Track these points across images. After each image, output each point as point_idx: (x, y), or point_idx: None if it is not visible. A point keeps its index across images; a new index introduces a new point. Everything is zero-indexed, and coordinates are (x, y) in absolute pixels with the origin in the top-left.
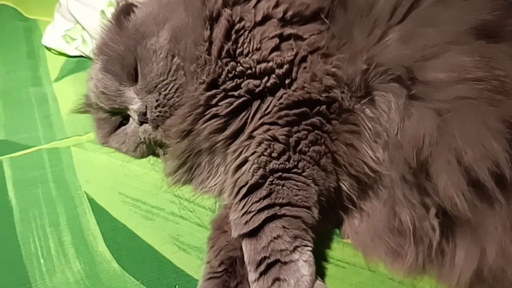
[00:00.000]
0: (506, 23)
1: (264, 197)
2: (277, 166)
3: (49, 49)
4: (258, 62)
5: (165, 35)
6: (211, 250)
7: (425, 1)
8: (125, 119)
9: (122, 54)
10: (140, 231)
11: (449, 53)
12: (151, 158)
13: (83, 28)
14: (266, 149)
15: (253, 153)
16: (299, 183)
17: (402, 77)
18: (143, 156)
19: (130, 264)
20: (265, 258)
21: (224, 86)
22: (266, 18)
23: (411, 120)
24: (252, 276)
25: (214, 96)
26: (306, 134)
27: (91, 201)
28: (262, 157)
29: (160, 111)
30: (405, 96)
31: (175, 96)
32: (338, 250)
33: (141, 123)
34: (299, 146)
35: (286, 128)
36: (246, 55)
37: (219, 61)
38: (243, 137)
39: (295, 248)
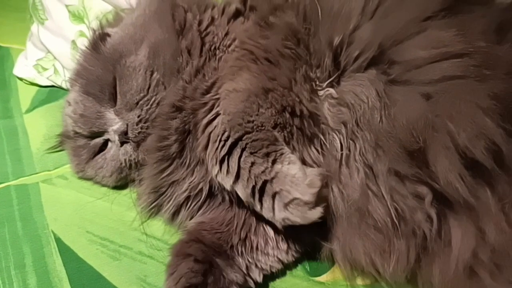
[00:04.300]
0: None
1: (226, 139)
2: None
3: (20, 78)
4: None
5: (144, 52)
6: (170, 277)
7: None
8: (104, 145)
9: (101, 76)
10: (107, 272)
11: (425, 32)
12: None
13: (55, 58)
14: None
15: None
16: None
17: (376, 59)
18: (116, 183)
19: None
20: (253, 187)
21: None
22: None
23: (398, 106)
24: (257, 208)
25: None
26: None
27: (58, 240)
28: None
29: (141, 127)
30: (383, 82)
31: (156, 110)
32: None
33: (122, 143)
34: None
35: None
36: (222, 46)
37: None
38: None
39: (274, 161)
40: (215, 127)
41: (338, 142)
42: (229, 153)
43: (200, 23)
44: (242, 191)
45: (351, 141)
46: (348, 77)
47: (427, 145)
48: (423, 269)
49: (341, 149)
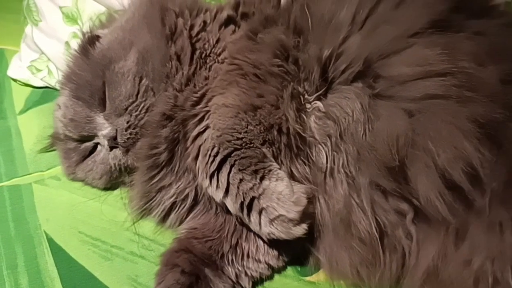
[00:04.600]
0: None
1: (215, 155)
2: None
3: (14, 80)
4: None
5: (132, 57)
6: (157, 287)
7: (382, 5)
8: (94, 148)
9: (90, 81)
10: (98, 272)
11: (411, 48)
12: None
13: (49, 59)
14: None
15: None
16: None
17: (363, 73)
18: (106, 185)
19: None
20: (242, 203)
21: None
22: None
23: (381, 121)
24: (245, 221)
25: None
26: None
27: (50, 241)
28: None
29: (131, 133)
30: (368, 96)
31: (145, 116)
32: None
33: (111, 148)
34: None
35: None
36: (212, 54)
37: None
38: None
39: (262, 178)
40: (205, 140)
41: (324, 154)
42: (219, 168)
43: (191, 28)
44: (231, 206)
45: (335, 153)
46: (335, 90)
47: (407, 162)
48: (406, 279)
49: (326, 162)
